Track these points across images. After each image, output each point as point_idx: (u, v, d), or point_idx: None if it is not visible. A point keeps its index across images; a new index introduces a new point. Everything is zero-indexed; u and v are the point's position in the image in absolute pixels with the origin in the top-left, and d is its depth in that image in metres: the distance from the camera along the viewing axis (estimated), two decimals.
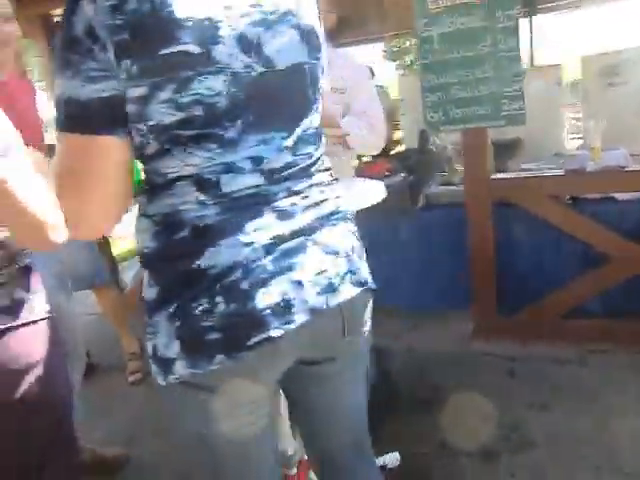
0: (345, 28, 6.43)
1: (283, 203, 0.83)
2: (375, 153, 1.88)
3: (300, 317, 0.80)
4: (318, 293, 0.83)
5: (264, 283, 0.78)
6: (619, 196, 2.47)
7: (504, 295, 2.76)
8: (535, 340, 2.63)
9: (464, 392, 2.38)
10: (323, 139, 0.96)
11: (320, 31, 0.92)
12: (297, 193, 0.86)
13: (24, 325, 1.08)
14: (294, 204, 0.84)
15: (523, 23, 6.25)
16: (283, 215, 0.82)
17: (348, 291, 0.88)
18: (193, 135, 0.75)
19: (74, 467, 1.26)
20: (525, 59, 6.19)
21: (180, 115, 0.74)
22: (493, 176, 2.62)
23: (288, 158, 0.85)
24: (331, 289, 0.85)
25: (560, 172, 2.53)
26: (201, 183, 0.78)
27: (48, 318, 1.15)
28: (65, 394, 1.26)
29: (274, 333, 0.77)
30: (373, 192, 1.65)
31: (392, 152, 5.01)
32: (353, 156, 2.11)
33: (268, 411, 0.90)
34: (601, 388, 2.26)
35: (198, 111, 0.74)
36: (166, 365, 0.78)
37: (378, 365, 2.53)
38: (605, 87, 5.02)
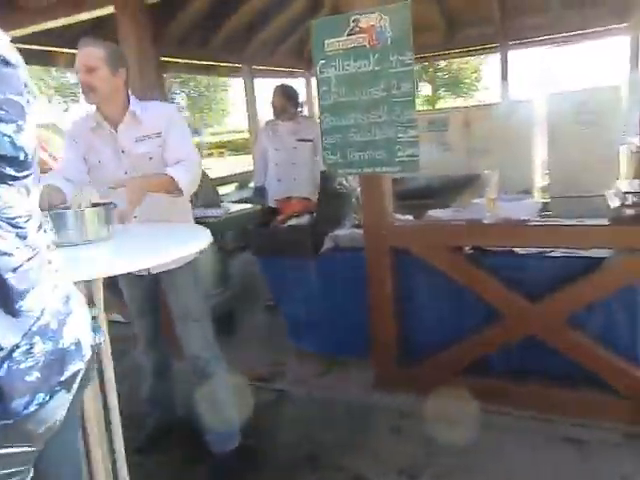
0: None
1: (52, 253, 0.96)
2: (193, 191, 1.96)
3: (87, 352, 0.94)
4: (89, 331, 0.99)
5: (64, 324, 0.90)
6: (519, 250, 2.36)
7: (408, 346, 2.65)
8: (431, 395, 2.51)
9: (341, 451, 2.26)
10: None
11: None
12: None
13: None
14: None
15: (496, 58, 6.21)
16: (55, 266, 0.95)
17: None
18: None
19: None
20: (498, 94, 6.13)
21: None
22: (396, 223, 2.52)
23: None
24: (93, 329, 1.02)
25: (460, 222, 2.43)
26: (16, 227, 0.85)
27: None
28: None
29: (77, 366, 0.90)
30: (195, 239, 1.58)
31: None
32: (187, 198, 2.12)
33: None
34: (481, 454, 2.13)
35: None
36: None
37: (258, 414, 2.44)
38: (571, 125, 4.95)
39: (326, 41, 2.34)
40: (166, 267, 1.93)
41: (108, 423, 1.57)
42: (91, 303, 1.36)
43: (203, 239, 1.59)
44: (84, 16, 2.92)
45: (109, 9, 2.82)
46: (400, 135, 2.31)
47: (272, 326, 3.52)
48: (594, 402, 2.22)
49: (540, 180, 6.03)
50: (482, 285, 2.34)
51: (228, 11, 4.92)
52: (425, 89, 19.07)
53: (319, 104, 2.45)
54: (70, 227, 1.52)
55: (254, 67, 5.74)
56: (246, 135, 10.66)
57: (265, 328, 3.59)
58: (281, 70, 6.37)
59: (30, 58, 3.83)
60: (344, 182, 2.68)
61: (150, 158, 1.93)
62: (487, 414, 2.37)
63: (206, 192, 3.45)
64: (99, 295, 1.43)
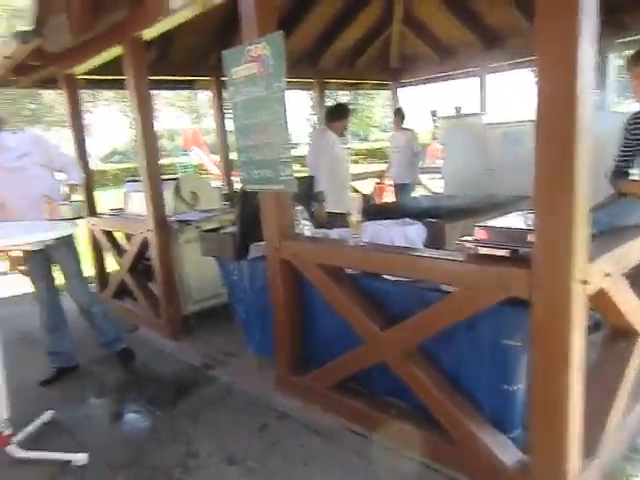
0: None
1: None
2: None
3: None
4: None
5: None
6: (387, 276, 2.32)
7: (306, 354, 2.77)
8: (307, 405, 2.62)
9: (202, 427, 2.54)
10: None
11: None
12: None
13: None
14: None
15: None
16: None
17: None
18: None
19: None
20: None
21: None
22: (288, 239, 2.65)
23: None
24: None
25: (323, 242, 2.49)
26: None
27: None
28: None
29: None
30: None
31: None
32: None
33: None
34: (307, 465, 2.21)
35: None
36: None
37: None
38: None
39: (232, 69, 2.60)
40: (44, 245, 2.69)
41: None
42: None
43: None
44: (105, 55, 3.63)
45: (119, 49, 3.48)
46: (281, 156, 2.46)
47: None
48: (428, 440, 2.12)
49: None
50: (344, 306, 2.37)
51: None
52: None
53: (234, 126, 2.72)
54: None
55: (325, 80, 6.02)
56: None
57: None
58: (363, 82, 6.49)
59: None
60: None
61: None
62: (343, 431, 2.42)
63: (206, 198, 3.94)
64: None
